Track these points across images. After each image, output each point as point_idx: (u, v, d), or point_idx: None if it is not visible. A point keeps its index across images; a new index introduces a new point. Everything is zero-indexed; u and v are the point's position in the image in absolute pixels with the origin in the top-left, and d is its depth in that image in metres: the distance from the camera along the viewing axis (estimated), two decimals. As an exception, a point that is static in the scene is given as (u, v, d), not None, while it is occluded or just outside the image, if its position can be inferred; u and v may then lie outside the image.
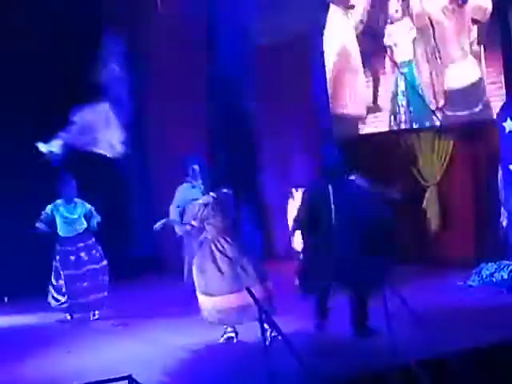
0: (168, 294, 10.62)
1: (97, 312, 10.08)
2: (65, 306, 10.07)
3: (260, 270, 8.05)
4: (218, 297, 7.97)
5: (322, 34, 11.97)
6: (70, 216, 10.00)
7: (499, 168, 9.65)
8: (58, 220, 9.99)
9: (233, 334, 8.14)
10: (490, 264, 9.75)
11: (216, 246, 8.09)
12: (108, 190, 10.35)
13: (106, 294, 10.14)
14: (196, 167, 9.44)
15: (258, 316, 6.46)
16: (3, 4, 11.35)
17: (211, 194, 8.18)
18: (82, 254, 10.06)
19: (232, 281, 7.91)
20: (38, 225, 9.97)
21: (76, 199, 10.06)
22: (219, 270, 8.00)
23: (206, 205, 8.13)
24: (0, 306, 11.19)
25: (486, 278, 9.61)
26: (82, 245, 10.06)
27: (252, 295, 6.54)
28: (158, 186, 12.58)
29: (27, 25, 11.46)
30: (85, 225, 10.08)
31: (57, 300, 10.10)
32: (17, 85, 11.40)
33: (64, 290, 10.02)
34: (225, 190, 8.18)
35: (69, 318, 10.13)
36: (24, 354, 8.63)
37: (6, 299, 11.43)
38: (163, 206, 9.86)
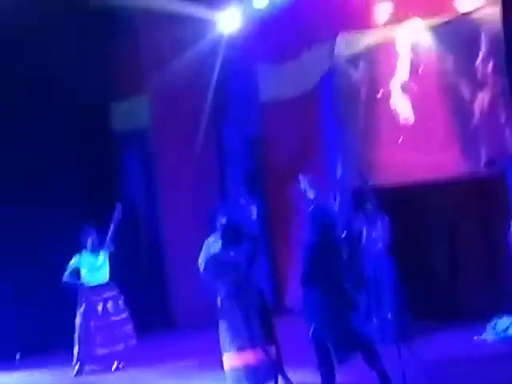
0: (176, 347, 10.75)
1: (117, 363, 10.13)
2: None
3: (268, 329, 7.91)
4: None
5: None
6: (96, 264, 10.16)
7: (511, 222, 9.65)
8: (84, 269, 10.20)
9: None
10: (504, 318, 9.69)
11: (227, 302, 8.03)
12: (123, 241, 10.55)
13: (134, 342, 10.25)
14: (223, 220, 9.29)
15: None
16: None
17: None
18: (109, 305, 10.17)
19: (243, 338, 7.83)
20: (66, 278, 10.14)
21: (100, 249, 10.24)
22: (233, 326, 7.90)
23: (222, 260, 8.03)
24: (12, 362, 11.12)
25: (501, 332, 9.55)
26: (107, 295, 10.19)
27: (267, 354, 6.50)
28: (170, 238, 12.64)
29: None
30: (108, 275, 10.21)
31: (83, 352, 10.08)
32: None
33: (94, 339, 10.05)
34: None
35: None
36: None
37: (18, 356, 11.37)
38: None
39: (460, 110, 10.66)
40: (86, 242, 10.22)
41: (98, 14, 11.63)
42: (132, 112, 12.74)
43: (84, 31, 11.95)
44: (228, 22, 12.12)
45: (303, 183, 8.45)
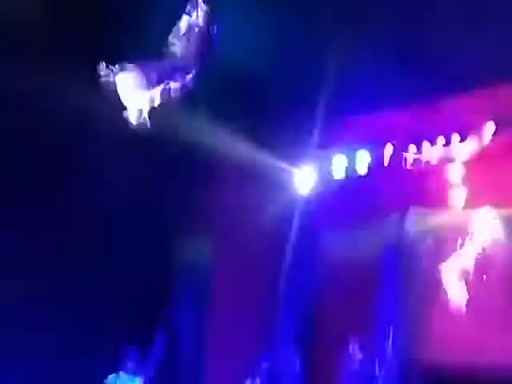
0: None
1: None
2: None
3: None
4: None
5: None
6: None
7: None
8: None
9: None
10: None
11: None
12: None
13: None
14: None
15: None
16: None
17: None
18: None
19: None
20: None
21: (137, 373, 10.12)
22: None
23: None
24: None
25: None
26: None
27: None
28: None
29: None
30: None
31: None
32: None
33: None
34: None
35: None
36: None
37: None
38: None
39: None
40: (125, 363, 10.12)
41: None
42: (194, 247, 12.87)
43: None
44: (304, 183, 12.42)
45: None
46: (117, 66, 7.05)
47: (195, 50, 7.47)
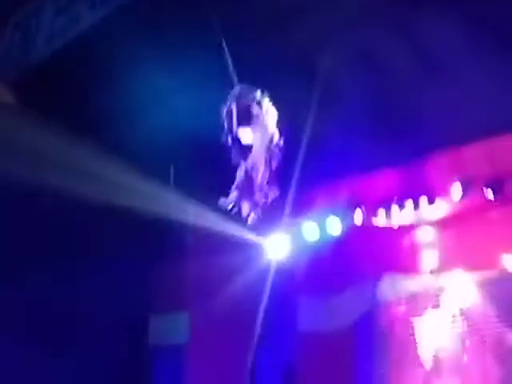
0: None
1: None
2: None
3: None
4: None
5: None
6: None
7: None
8: None
9: None
10: None
11: None
12: None
13: None
14: None
15: None
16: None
17: None
18: None
19: None
20: None
21: None
22: None
23: None
24: None
25: None
26: None
27: None
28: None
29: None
30: None
31: None
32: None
33: None
34: None
35: None
36: None
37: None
38: None
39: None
40: None
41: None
42: (169, 327, 12.80)
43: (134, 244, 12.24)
44: (276, 249, 12.36)
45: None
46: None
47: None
